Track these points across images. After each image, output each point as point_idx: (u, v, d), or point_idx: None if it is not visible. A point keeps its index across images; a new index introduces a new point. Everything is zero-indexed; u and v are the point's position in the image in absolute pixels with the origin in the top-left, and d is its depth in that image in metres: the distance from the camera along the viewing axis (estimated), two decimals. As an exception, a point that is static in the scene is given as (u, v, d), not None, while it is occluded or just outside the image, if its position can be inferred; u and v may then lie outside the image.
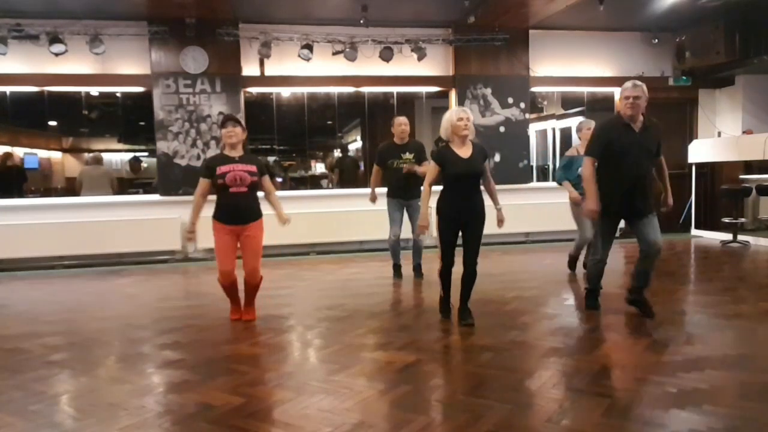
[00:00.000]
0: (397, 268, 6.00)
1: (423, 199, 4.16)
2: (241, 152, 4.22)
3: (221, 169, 4.10)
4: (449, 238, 4.08)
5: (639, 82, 4.01)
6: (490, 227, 4.17)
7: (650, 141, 4.08)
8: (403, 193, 5.68)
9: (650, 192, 4.13)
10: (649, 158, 4.11)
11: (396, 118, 5.74)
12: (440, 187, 4.15)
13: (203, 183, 4.20)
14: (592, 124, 5.45)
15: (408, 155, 5.64)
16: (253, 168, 4.18)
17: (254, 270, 4.28)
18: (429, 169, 4.15)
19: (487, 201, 4.16)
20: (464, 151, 4.05)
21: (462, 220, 4.07)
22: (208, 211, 4.24)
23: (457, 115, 4.02)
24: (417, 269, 5.97)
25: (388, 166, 5.70)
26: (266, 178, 4.32)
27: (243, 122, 4.37)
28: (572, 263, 6.05)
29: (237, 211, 4.16)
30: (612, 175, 4.09)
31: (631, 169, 4.03)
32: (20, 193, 8.70)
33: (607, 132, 4.14)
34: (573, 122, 10.29)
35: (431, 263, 7.17)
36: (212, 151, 7.55)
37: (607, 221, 4.24)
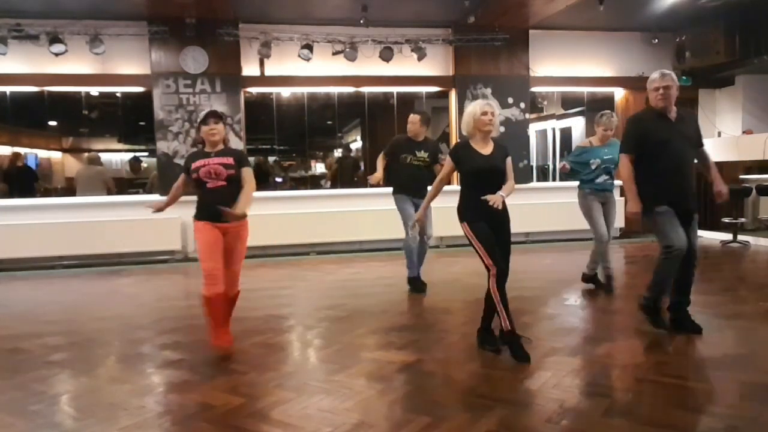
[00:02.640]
0: (414, 282, 5.43)
1: (430, 192, 3.82)
2: (220, 148, 3.89)
3: (195, 165, 3.79)
4: (488, 236, 3.53)
5: (667, 71, 3.78)
6: None
7: (689, 129, 3.84)
8: (414, 191, 5.37)
9: (694, 187, 3.86)
10: (691, 147, 3.82)
11: (410, 115, 5.50)
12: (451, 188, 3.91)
13: (180, 178, 3.99)
14: (613, 123, 5.26)
15: (423, 153, 5.38)
16: (230, 160, 3.79)
17: (236, 275, 3.86)
18: (444, 164, 3.84)
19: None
20: (485, 149, 3.68)
21: (488, 220, 3.57)
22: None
23: (482, 108, 3.62)
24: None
25: (400, 160, 5.40)
26: (245, 170, 3.85)
27: (225, 118, 4.06)
28: (596, 276, 5.36)
29: (215, 207, 3.70)
30: (654, 170, 3.75)
31: (674, 159, 3.72)
32: (32, 193, 8.72)
33: (641, 124, 3.86)
34: (573, 122, 10.33)
35: (431, 264, 7.19)
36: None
37: (662, 217, 3.74)
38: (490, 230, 3.54)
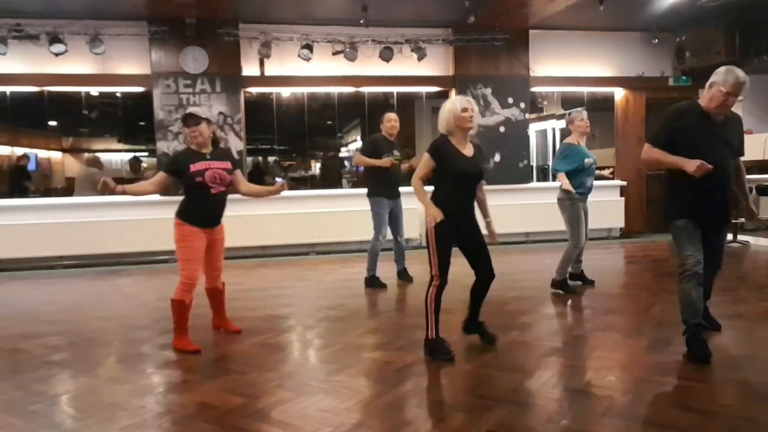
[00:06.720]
0: (375, 280, 5.62)
1: (420, 196, 3.44)
2: (210, 148, 3.85)
3: (196, 167, 3.70)
4: (448, 249, 3.41)
5: (744, 77, 3.28)
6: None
7: (731, 134, 3.42)
8: (392, 191, 5.54)
9: (732, 196, 3.49)
10: (730, 153, 3.40)
11: (387, 114, 5.58)
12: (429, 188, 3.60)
13: (161, 176, 3.83)
14: (584, 114, 5.13)
15: (398, 153, 5.56)
16: (229, 165, 3.87)
17: (220, 271, 4.08)
18: (422, 162, 3.50)
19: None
20: (467, 149, 3.48)
21: (460, 229, 3.45)
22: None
23: (462, 105, 3.39)
24: (403, 273, 5.82)
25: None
26: (238, 172, 3.98)
27: (216, 116, 4.17)
28: (566, 281, 5.20)
29: (214, 213, 3.86)
30: (686, 179, 3.28)
31: (710, 163, 3.19)
32: (23, 193, 8.76)
33: (680, 122, 3.38)
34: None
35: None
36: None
37: (685, 227, 3.40)
38: (453, 239, 3.43)
